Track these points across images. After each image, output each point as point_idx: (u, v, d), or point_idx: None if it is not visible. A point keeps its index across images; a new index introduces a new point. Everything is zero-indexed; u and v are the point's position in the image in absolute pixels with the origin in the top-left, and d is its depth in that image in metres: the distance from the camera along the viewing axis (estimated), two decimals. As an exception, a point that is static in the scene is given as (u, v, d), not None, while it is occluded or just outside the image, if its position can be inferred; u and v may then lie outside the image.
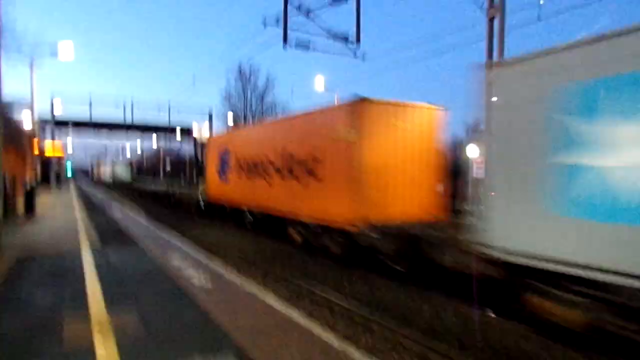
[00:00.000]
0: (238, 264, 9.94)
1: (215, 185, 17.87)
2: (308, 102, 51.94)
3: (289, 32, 15.77)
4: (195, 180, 38.08)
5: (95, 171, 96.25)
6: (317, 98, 32.79)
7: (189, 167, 47.80)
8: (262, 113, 54.40)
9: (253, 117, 53.73)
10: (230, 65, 51.45)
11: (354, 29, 16.52)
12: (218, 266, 8.08)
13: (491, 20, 14.16)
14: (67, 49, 21.15)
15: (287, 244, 12.41)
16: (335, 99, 27.60)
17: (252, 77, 53.38)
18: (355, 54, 16.84)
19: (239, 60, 50.40)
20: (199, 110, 47.32)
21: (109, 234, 11.87)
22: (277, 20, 15.76)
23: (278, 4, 15.19)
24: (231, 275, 7.40)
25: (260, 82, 54.10)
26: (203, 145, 43.39)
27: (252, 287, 6.64)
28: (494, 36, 13.90)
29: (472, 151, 30.95)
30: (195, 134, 44.03)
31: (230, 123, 51.66)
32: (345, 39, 16.60)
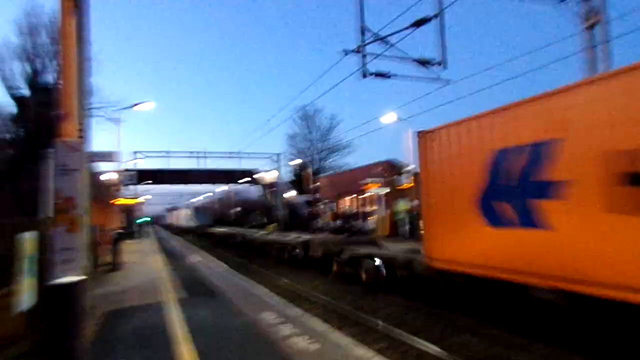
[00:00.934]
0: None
1: (452, 232, 8.17)
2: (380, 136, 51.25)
3: (367, 61, 15.15)
4: (265, 222, 37.99)
5: (170, 217, 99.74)
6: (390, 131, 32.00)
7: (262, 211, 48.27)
8: (327, 151, 54.38)
9: (318, 157, 53.86)
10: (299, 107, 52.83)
11: (438, 51, 15.41)
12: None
13: (590, 28, 12.74)
14: (149, 107, 23.15)
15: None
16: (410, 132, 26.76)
17: (315, 117, 53.94)
18: (438, 78, 15.69)
19: (311, 101, 51.04)
20: (270, 154, 48.18)
21: (194, 284, 11.38)
22: (347, 52, 15.15)
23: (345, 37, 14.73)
24: None
25: (324, 121, 54.45)
26: (265, 187, 43.93)
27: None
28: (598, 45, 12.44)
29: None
30: (262, 177, 44.57)
31: (295, 162, 52.09)
32: (428, 63, 15.48)
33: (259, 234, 26.03)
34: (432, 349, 6.39)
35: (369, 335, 7.30)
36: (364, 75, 15.03)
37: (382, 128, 35.51)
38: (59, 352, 3.76)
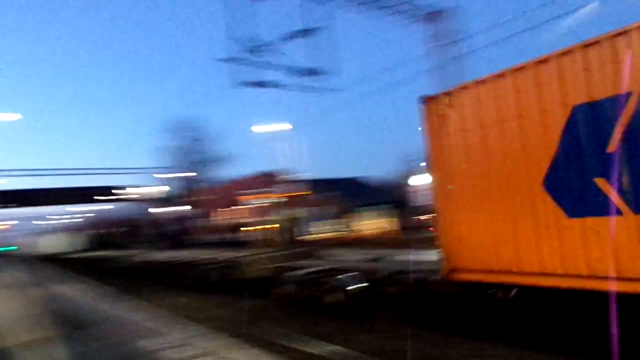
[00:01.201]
0: None
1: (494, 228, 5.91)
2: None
3: (241, 71, 14.25)
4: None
5: (41, 243, 78.70)
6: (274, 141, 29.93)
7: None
8: (207, 165, 49.94)
9: (195, 169, 49.13)
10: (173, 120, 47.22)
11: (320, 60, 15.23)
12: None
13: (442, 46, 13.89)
14: (13, 118, 20.44)
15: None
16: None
17: (191, 128, 48.91)
18: (319, 88, 15.50)
19: (187, 112, 46.91)
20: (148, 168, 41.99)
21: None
22: (222, 60, 14.10)
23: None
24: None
25: (203, 133, 49.76)
26: (145, 203, 37.65)
27: None
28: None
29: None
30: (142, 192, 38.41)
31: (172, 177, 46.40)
32: (310, 73, 15.16)
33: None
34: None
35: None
36: (242, 85, 14.34)
37: (263, 138, 33.52)
38: None
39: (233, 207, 38.47)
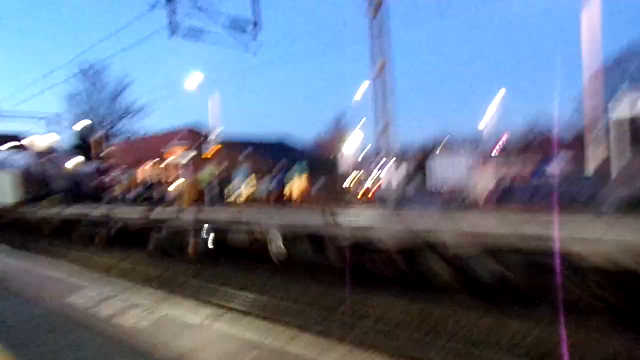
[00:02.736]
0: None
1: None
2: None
3: (175, 15, 13.74)
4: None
5: None
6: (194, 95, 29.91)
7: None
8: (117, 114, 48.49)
9: (106, 121, 47.51)
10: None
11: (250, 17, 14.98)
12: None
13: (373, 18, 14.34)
14: None
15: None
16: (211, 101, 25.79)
17: (102, 74, 46.98)
18: (248, 47, 15.24)
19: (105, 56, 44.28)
20: (46, 114, 39.58)
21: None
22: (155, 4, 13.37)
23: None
24: None
25: (114, 79, 47.99)
26: (40, 154, 35.66)
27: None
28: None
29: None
30: (35, 142, 36.82)
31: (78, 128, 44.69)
32: (241, 29, 14.88)
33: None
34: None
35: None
36: (173, 32, 13.67)
37: (184, 91, 33.44)
38: None
39: (151, 163, 38.33)
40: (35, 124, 36.17)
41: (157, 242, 11.56)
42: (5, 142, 36.23)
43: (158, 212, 13.44)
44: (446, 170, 15.91)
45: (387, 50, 13.95)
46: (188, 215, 11.77)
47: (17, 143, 35.62)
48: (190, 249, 10.44)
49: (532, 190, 14.59)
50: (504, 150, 40.36)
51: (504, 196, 15.22)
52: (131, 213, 14.39)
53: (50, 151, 34.86)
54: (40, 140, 37.41)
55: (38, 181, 31.98)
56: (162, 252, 11.43)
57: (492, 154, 40.15)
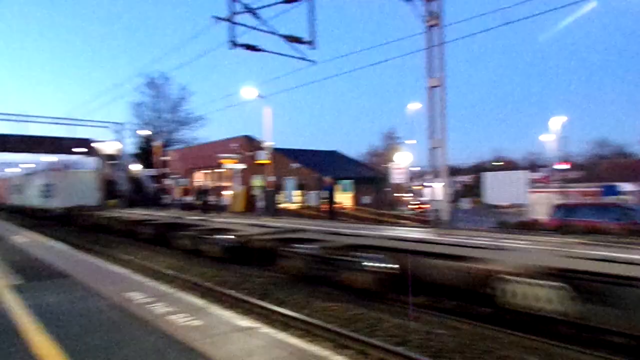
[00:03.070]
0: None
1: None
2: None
3: (236, 31, 14.30)
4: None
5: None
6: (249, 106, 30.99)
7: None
8: (176, 124, 50.85)
9: (166, 129, 49.94)
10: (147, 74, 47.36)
11: (309, 31, 15.25)
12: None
13: (430, 27, 14.09)
14: None
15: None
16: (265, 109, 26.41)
17: (164, 86, 49.74)
18: (304, 58, 15.52)
19: (170, 69, 47.01)
20: (111, 122, 42.35)
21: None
22: (218, 19, 14.07)
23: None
24: None
25: (175, 91, 50.59)
26: (104, 158, 38.12)
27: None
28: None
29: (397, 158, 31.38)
30: (102, 147, 39.30)
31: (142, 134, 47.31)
32: (297, 41, 15.21)
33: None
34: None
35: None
36: (233, 46, 14.21)
37: (240, 103, 34.55)
38: None
39: (207, 169, 39.71)
40: (103, 131, 38.76)
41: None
42: (77, 146, 38.99)
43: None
44: (502, 187, 15.26)
45: (443, 63, 13.73)
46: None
47: (84, 149, 38.22)
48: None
49: (602, 211, 13.78)
50: (567, 168, 38.39)
51: (567, 214, 14.48)
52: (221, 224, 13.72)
53: (115, 156, 37.07)
54: (107, 146, 39.97)
55: (107, 184, 34.18)
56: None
57: (554, 171, 38.34)
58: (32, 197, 35.61)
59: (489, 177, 15.84)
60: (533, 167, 56.27)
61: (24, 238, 15.11)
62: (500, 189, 15.26)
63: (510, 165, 56.43)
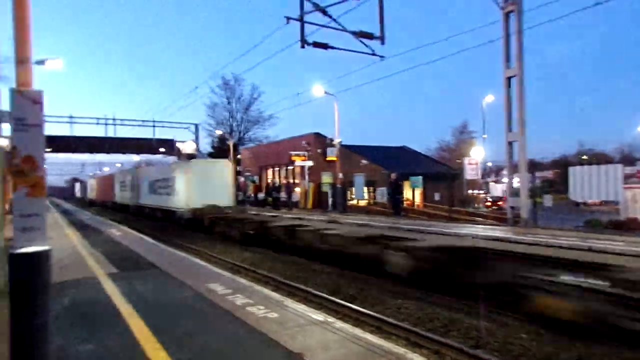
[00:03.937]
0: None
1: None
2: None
3: (306, 30, 14.46)
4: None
5: (93, 189, 55.85)
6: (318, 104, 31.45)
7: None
8: (248, 123, 52.55)
9: (238, 129, 51.84)
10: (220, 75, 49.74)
11: (378, 26, 15.04)
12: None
13: (507, 14, 13.29)
14: (56, 65, 19.11)
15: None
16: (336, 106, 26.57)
17: (236, 86, 51.63)
18: (374, 52, 15.30)
19: (243, 70, 49.06)
20: (187, 124, 45.01)
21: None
22: (289, 19, 14.26)
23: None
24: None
25: (246, 91, 52.31)
26: (183, 157, 40.82)
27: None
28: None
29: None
30: (182, 147, 41.93)
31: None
32: (367, 37, 15.04)
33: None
34: None
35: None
36: (303, 45, 14.43)
37: (309, 101, 35.07)
38: (23, 327, 3.12)
39: (277, 167, 40.67)
40: (181, 132, 41.45)
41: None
42: (160, 146, 41.97)
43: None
44: (592, 183, 14.08)
45: (521, 52, 12.96)
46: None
47: (165, 149, 41.01)
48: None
49: None
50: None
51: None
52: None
53: (193, 155, 39.39)
54: (185, 145, 42.53)
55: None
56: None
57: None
58: (145, 195, 29.22)
59: (576, 172, 14.67)
60: (627, 160, 51.32)
61: (118, 232, 16.59)
62: (589, 185, 14.08)
63: (599, 159, 51.92)
